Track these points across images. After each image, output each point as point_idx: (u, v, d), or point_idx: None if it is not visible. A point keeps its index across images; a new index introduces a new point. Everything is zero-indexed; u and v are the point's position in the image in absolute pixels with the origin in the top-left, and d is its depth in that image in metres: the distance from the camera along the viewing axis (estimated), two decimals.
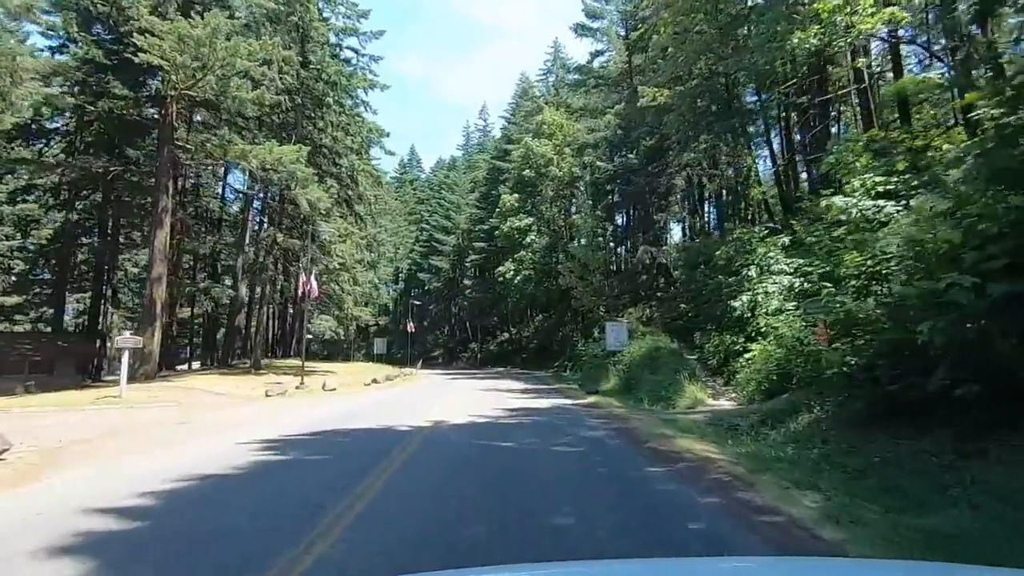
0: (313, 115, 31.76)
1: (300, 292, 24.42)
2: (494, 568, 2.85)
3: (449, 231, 65.59)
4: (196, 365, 41.94)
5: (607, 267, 35.35)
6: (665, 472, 6.31)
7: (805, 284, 13.46)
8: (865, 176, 13.20)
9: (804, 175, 24.84)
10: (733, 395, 13.46)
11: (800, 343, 11.28)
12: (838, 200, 12.87)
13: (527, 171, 39.41)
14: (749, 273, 14.32)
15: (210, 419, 13.57)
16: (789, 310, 13.53)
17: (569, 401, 16.03)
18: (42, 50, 29.93)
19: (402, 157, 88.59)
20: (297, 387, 22.09)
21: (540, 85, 56.76)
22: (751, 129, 21.02)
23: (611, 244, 41.60)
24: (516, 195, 41.75)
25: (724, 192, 25.63)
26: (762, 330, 13.78)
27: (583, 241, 37.42)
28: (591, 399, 16.04)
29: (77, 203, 33.56)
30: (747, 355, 12.87)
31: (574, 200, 44.32)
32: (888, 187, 12.67)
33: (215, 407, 16.68)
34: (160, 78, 23.03)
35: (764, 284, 13.57)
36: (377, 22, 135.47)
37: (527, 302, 47.58)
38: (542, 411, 13.23)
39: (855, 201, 12.64)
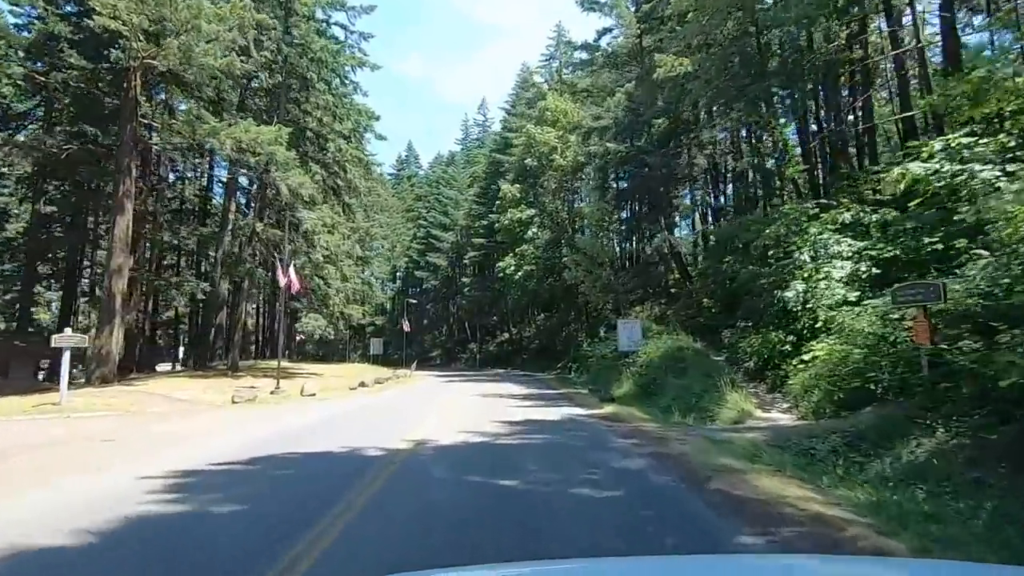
0: (298, 96, 29.34)
1: (282, 286, 22.00)
2: (491, 566, 2.67)
3: (447, 228, 63.23)
4: (182, 367, 39.55)
5: (616, 261, 32.93)
6: (770, 548, 3.86)
7: (874, 269, 11.03)
8: (949, 136, 10.82)
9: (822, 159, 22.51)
10: (786, 405, 11.01)
11: (883, 340, 8.85)
12: (915, 167, 10.46)
13: (529, 160, 36.94)
14: (801, 257, 11.87)
15: (146, 433, 11.17)
16: (852, 301, 11.11)
17: (582, 410, 13.57)
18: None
19: (400, 154, 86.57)
20: (272, 392, 19.66)
21: (543, 71, 54.29)
22: (780, 95, 18.53)
23: (615, 239, 39.11)
24: (517, 185, 39.25)
25: (753, 172, 23.12)
26: (818, 326, 11.33)
27: (587, 233, 35.02)
28: (607, 408, 13.59)
29: (49, 194, 31.33)
30: (806, 356, 10.41)
31: (578, 192, 41.87)
32: (978, 150, 10.28)
33: (166, 417, 14.27)
34: (120, 46, 20.58)
35: (826, 269, 11.10)
36: (377, 23, 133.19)
37: (528, 300, 45.15)
38: (552, 425, 10.78)
39: (935, 166, 10.25)
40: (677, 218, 36.48)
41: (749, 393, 11.96)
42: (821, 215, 12.35)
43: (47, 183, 30.94)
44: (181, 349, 45.85)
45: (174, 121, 22.23)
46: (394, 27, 71.32)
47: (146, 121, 22.51)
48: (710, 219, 32.08)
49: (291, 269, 21.56)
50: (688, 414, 11.92)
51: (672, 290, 29.03)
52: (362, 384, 24.15)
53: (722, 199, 28.41)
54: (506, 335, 56.25)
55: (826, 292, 10.79)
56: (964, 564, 2.71)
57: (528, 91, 52.18)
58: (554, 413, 13.01)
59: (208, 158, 34.40)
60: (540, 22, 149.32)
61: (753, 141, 22.82)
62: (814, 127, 22.22)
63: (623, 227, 37.89)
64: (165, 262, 37.93)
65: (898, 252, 11.30)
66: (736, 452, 7.35)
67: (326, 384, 24.01)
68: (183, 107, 28.30)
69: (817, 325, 11.33)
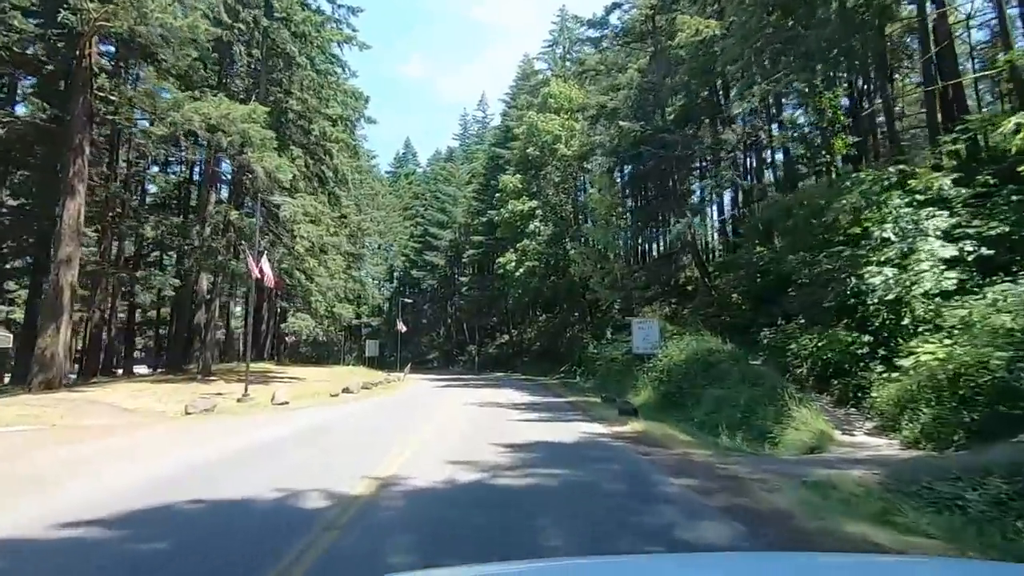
0: (281, 77, 26.88)
1: (256, 278, 19.53)
2: (491, 565, 2.65)
3: (445, 225, 60.83)
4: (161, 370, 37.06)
5: (628, 254, 30.36)
6: None
7: (983, 249, 8.55)
8: None
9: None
10: (871, 425, 8.51)
11: None
12: None
13: (531, 149, 34.47)
14: (884, 235, 9.33)
15: (39, 459, 8.64)
16: (952, 290, 8.64)
17: (601, 427, 11.06)
18: None
19: (398, 151, 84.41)
20: (239, 400, 17.16)
21: (546, 56, 51.84)
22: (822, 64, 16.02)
23: (624, 233, 36.56)
24: (519, 176, 36.75)
25: (794, 144, 20.53)
26: (905, 322, 8.84)
27: (592, 224, 32.47)
28: (632, 424, 11.08)
29: (14, 183, 28.96)
30: (904, 361, 7.88)
31: (583, 187, 39.37)
32: None
33: (93, 433, 11.72)
34: (71, 6, 18.16)
35: (927, 249, 8.57)
36: (379, 26, 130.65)
37: (530, 299, 42.68)
38: (569, 452, 8.26)
39: None
40: (689, 212, 33.95)
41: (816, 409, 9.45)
42: (909, 182, 9.86)
43: (12, 171, 28.62)
44: (170, 351, 43.39)
45: (133, 93, 19.74)
46: (392, 27, 69.29)
47: (103, 94, 20.04)
48: (727, 207, 29.64)
49: (264, 261, 19.09)
50: (736, 433, 9.45)
51: (688, 287, 26.55)
52: (346, 390, 21.67)
53: (747, 182, 25.70)
54: (506, 336, 53.87)
55: (926, 277, 8.30)
56: (964, 562, 2.74)
57: (529, 80, 49.83)
58: (567, 430, 10.52)
59: (189, 150, 32.00)
60: (539, 22, 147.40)
61: (793, 112, 20.36)
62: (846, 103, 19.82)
63: (632, 220, 35.37)
64: (150, 258, 35.55)
65: (1007, 229, 8.82)
66: (857, 506, 4.88)
67: (306, 390, 21.53)
68: (167, 96, 25.97)
69: (904, 321, 8.83)
